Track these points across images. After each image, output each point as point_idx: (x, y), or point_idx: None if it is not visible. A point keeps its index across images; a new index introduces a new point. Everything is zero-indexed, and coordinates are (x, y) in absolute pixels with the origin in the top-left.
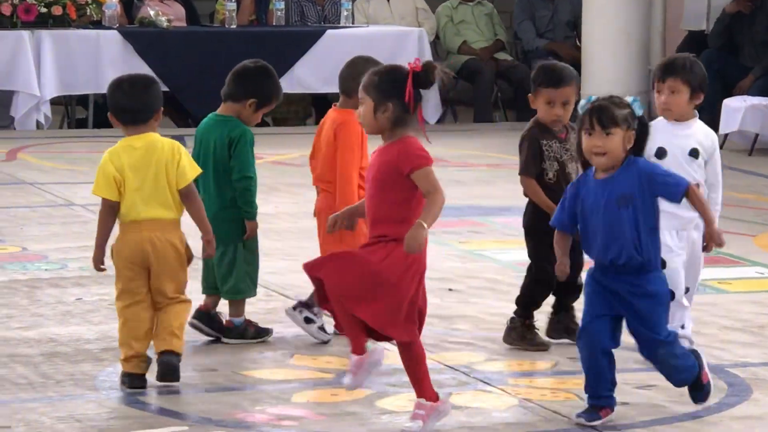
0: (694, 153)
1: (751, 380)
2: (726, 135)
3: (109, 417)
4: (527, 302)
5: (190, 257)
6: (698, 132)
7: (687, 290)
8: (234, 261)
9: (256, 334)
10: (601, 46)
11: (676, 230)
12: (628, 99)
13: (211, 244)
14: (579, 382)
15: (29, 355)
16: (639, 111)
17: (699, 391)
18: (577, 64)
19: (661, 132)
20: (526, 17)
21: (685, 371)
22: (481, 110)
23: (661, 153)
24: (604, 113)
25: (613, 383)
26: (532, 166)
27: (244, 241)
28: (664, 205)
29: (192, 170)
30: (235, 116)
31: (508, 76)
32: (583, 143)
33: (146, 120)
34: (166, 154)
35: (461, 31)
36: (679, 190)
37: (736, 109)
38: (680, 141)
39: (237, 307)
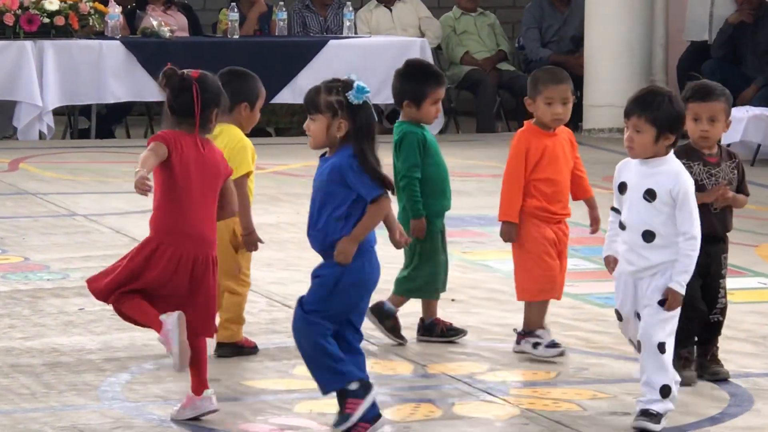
0: (648, 195)
1: (754, 390)
2: (728, 145)
3: (111, 427)
4: (678, 335)
5: (240, 245)
6: (664, 174)
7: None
8: (411, 261)
9: (442, 333)
10: (603, 57)
11: (634, 280)
12: (357, 84)
13: (248, 239)
14: (581, 391)
15: (32, 365)
16: (354, 99)
17: (340, 415)
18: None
19: (628, 166)
20: (533, 25)
21: (322, 368)
22: (483, 120)
23: (621, 187)
24: (309, 97)
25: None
26: None
27: (422, 242)
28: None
29: (242, 167)
30: (407, 119)
31: (510, 86)
32: None
33: (225, 111)
34: (218, 145)
35: (463, 41)
36: (369, 197)
37: (738, 119)
38: (639, 180)
39: (430, 307)
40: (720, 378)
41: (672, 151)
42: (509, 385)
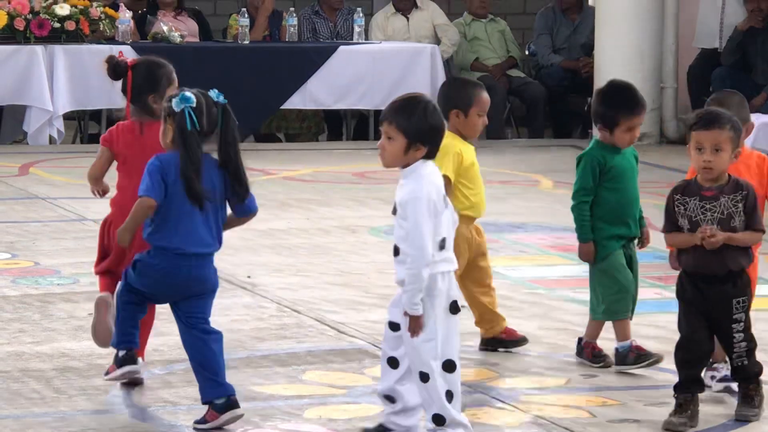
0: (394, 210)
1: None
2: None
3: None
4: (679, 377)
5: None
6: (403, 186)
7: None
8: (592, 282)
9: (637, 359)
10: (613, 64)
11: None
12: (182, 93)
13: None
14: (592, 398)
15: (42, 370)
16: (174, 106)
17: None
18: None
19: None
20: (545, 31)
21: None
22: (493, 127)
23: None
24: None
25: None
26: (665, 222)
27: (598, 263)
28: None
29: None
30: (601, 140)
31: (520, 93)
32: None
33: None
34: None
35: (474, 47)
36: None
37: None
38: (396, 194)
39: (618, 330)
40: (744, 421)
41: (424, 160)
42: (519, 392)
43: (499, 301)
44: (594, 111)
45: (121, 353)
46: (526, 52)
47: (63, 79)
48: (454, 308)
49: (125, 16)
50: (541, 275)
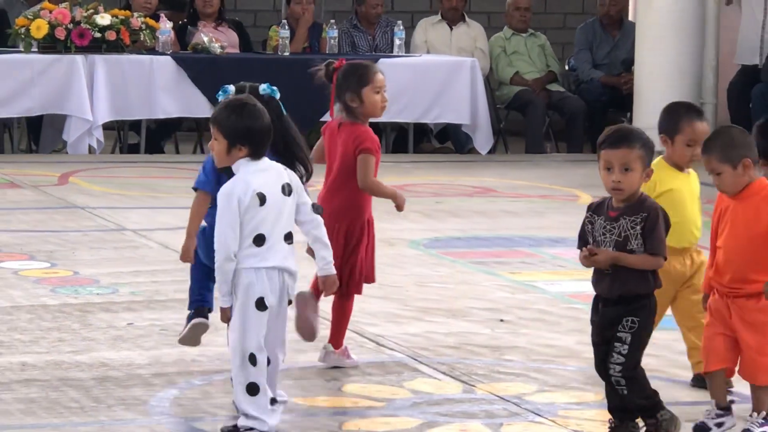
0: None
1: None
2: None
3: None
4: None
5: None
6: None
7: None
8: None
9: None
10: (653, 80)
11: None
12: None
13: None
14: None
15: (81, 379)
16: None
17: None
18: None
19: None
20: (585, 47)
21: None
22: (532, 141)
23: None
24: None
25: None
26: (578, 239)
27: None
28: None
29: None
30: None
31: (559, 107)
32: None
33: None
34: None
35: (514, 61)
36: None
37: None
38: None
39: None
40: None
41: (250, 158)
42: (558, 406)
43: (537, 316)
44: (757, 145)
45: (191, 312)
46: (566, 67)
47: (103, 89)
48: (260, 305)
49: (166, 26)
50: (580, 290)
